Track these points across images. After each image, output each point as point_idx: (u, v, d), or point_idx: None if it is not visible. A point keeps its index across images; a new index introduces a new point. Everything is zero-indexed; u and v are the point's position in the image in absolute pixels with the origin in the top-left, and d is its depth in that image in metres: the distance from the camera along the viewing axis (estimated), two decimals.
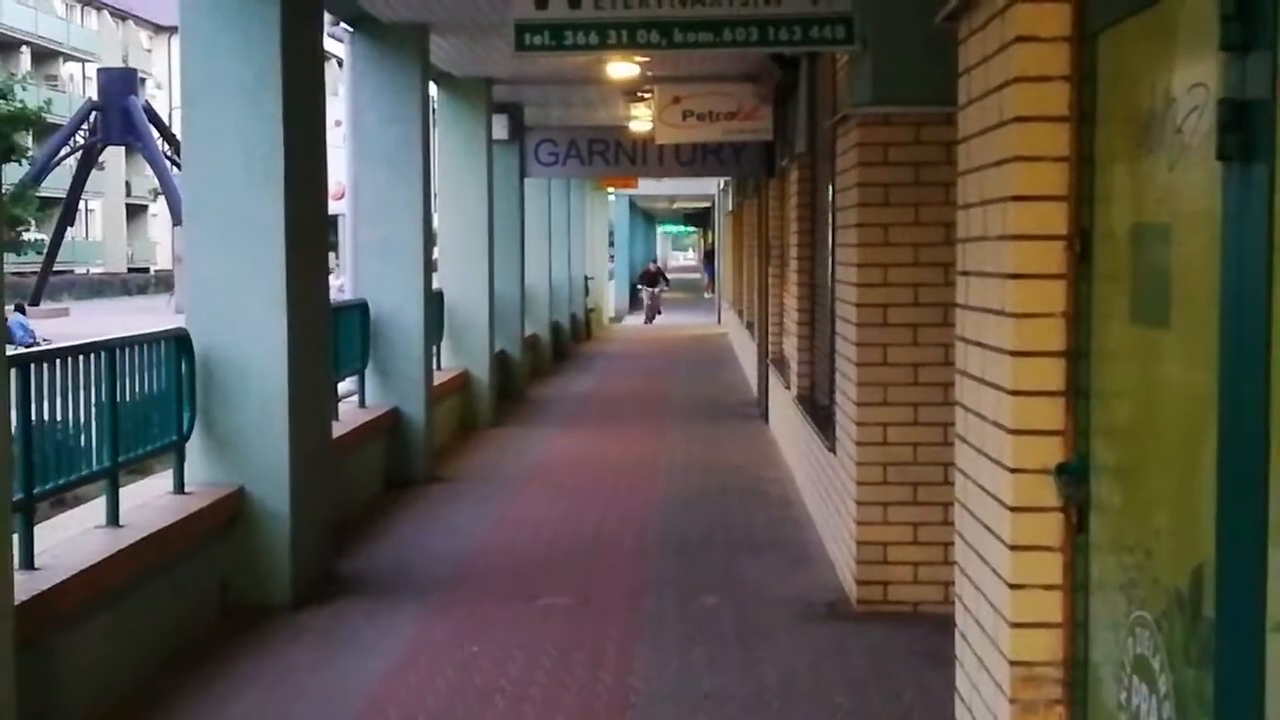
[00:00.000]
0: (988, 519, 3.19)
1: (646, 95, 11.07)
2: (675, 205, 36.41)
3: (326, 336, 6.18)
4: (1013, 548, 2.92)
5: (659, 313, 30.20)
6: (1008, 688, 2.98)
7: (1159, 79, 2.38)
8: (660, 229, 42.90)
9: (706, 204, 31.38)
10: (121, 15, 47.46)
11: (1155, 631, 2.38)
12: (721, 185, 22.15)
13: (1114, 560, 2.69)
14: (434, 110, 10.20)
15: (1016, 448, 2.90)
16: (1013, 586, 2.95)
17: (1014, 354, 2.90)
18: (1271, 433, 1.72)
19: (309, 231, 6.01)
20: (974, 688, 3.43)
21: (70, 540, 4.76)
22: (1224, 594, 1.92)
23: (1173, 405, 2.40)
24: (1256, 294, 1.74)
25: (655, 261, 32.15)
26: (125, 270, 44.85)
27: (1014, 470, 2.91)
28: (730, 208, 21.14)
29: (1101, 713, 2.77)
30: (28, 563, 4.15)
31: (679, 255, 47.72)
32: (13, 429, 3.83)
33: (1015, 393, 2.90)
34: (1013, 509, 2.92)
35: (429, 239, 9.39)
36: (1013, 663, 2.94)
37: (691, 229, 43.96)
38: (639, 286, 32.21)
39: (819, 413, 7.58)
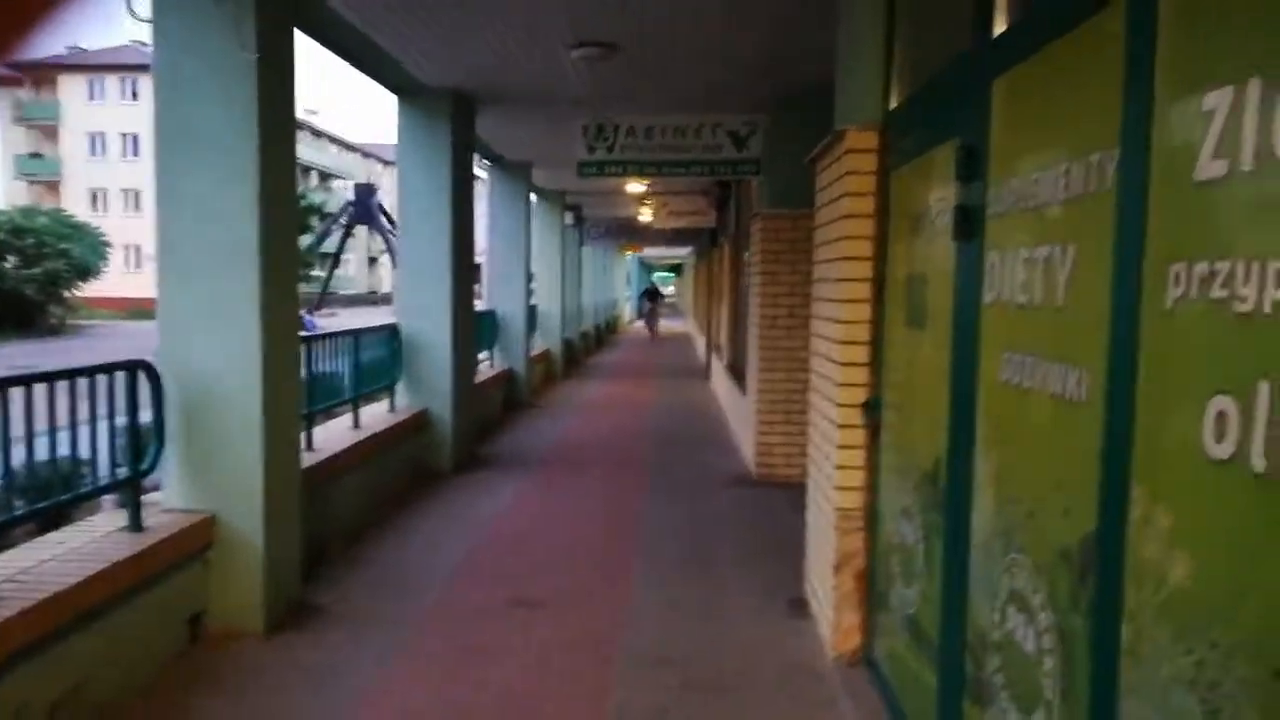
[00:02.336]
0: (826, 432, 4.11)
1: (649, 201, 14.85)
2: (665, 260, 45.57)
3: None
4: (839, 447, 3.87)
5: (659, 319, 29.93)
6: (834, 521, 3.92)
7: (921, 195, 3.16)
8: (655, 274, 55.00)
9: (681, 260, 39.52)
10: (366, 154, 70.21)
11: (914, 493, 3.19)
12: (689, 250, 28.31)
13: (892, 454, 3.53)
14: (533, 208, 14.07)
15: (842, 393, 3.85)
16: (838, 468, 3.88)
17: (842, 342, 3.84)
18: (978, 386, 2.53)
19: (465, 274, 8.09)
20: (816, 521, 4.41)
21: (331, 435, 6.16)
22: (950, 473, 2.77)
23: (924, 370, 3.11)
24: (970, 309, 2.60)
25: (654, 284, 34.25)
26: (366, 291, 64.24)
27: (840, 405, 3.85)
28: (695, 263, 27.50)
29: (884, 536, 3.64)
30: (309, 446, 5.59)
31: (664, 288, 65.39)
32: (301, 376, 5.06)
33: (842, 363, 3.85)
34: (840, 426, 3.87)
35: (528, 277, 12.86)
36: (836, 508, 3.89)
37: (672, 275, 58.26)
38: (643, 300, 32.68)
39: (737, 373, 9.82)
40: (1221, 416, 1.45)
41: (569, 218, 16.72)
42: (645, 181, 11.70)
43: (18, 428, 3.22)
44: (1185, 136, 1.57)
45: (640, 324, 34.73)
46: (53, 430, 3.49)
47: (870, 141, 3.76)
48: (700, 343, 20.86)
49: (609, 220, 18.66)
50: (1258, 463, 1.36)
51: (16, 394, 3.19)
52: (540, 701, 3.59)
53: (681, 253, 34.05)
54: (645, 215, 16.13)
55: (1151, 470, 1.67)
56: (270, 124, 4.13)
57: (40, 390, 3.35)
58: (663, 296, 30.95)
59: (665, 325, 33.12)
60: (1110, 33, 1.84)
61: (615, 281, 34.33)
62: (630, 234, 18.85)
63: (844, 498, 3.93)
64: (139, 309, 47.04)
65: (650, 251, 35.91)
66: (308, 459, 5.22)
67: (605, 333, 28.18)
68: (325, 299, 42.71)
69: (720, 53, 6.31)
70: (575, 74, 6.79)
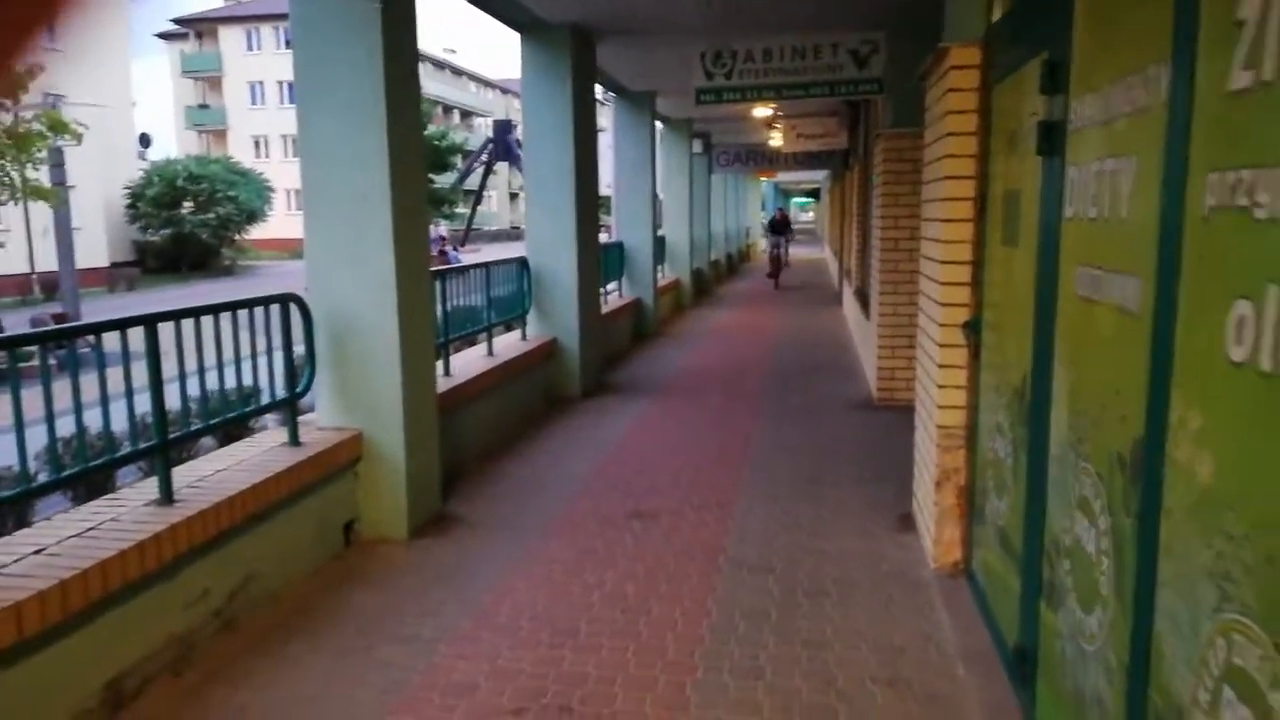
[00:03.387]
0: (930, 351, 4.16)
1: (777, 125, 14.51)
2: (800, 185, 43.68)
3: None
4: (940, 366, 3.95)
5: (785, 266, 21.36)
6: (936, 439, 4.03)
7: (1017, 111, 3.14)
8: (792, 199, 54.58)
9: (818, 185, 37.57)
10: (505, 90, 70.64)
11: (1006, 409, 3.23)
12: (825, 175, 26.79)
13: (990, 373, 3.55)
14: (659, 137, 14.33)
15: (944, 313, 3.90)
16: (940, 387, 3.96)
17: (943, 262, 3.87)
18: (1058, 301, 2.56)
19: (589, 208, 8.42)
20: (923, 438, 4.50)
21: (467, 362, 6.63)
22: (1034, 388, 2.83)
23: (1017, 288, 3.10)
24: (1052, 225, 2.62)
25: (782, 209, 24.15)
26: (510, 227, 64.63)
27: (942, 325, 3.91)
28: (829, 187, 25.88)
29: (981, 453, 3.70)
30: (446, 372, 6.05)
31: (804, 215, 65.71)
32: (438, 309, 5.53)
33: (944, 283, 3.89)
34: (940, 345, 3.93)
35: (655, 209, 12.93)
36: (938, 426, 3.98)
37: (811, 200, 56.89)
38: (766, 235, 25.34)
39: (864, 298, 9.62)
40: (1242, 320, 1.51)
41: (697, 145, 16.73)
42: (772, 105, 11.48)
43: (194, 354, 3.70)
44: (1223, 47, 1.59)
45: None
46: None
47: (972, 58, 3.73)
48: (834, 268, 20.60)
49: (738, 146, 18.46)
50: (1266, 363, 1.43)
51: (192, 324, 3.64)
52: (649, 600, 3.89)
53: (817, 177, 32.14)
54: (775, 139, 15.90)
55: (1187, 375, 1.74)
56: (396, 72, 4.43)
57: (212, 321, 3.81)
58: (791, 229, 23.73)
59: (802, 254, 32.16)
60: None
61: (748, 208, 33.26)
62: (761, 159, 18.51)
63: (945, 416, 4.01)
64: (301, 249, 50.11)
65: (784, 177, 33.99)
66: (446, 383, 5.66)
67: (738, 260, 27.93)
68: (469, 235, 44.25)
69: None
70: (688, 2, 6.81)
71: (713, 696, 3.12)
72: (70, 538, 3.09)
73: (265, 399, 4.31)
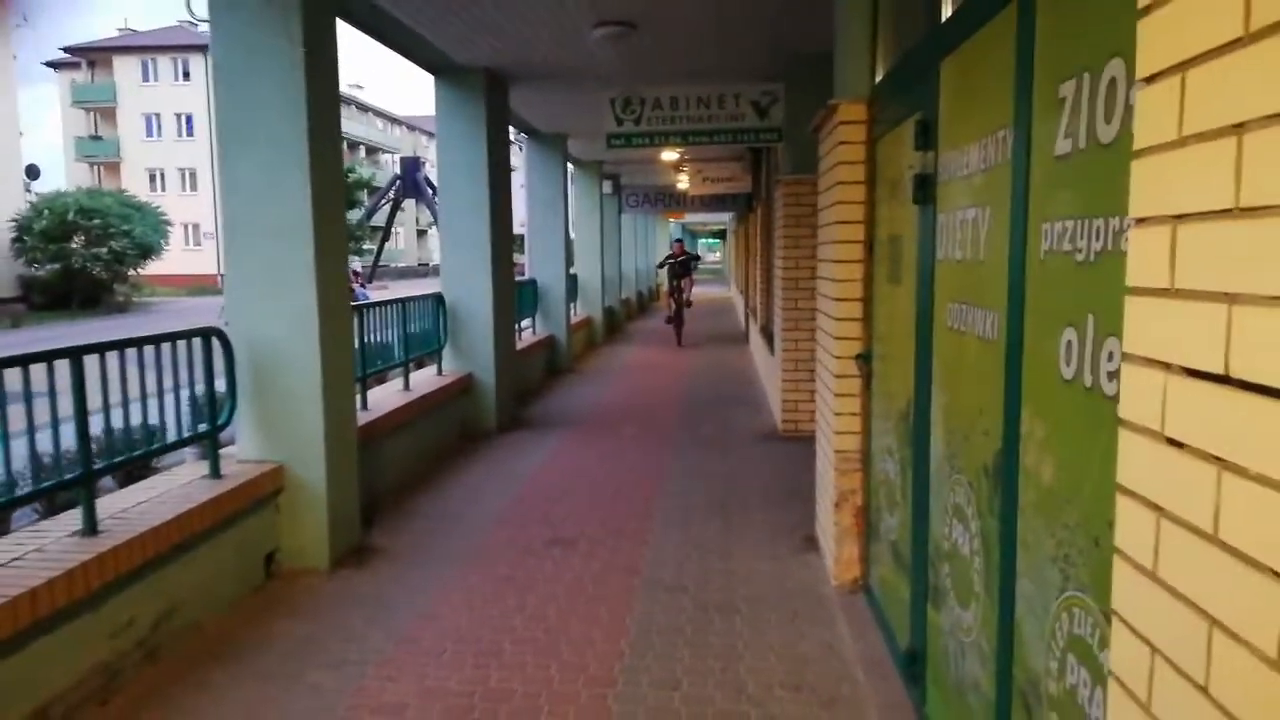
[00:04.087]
0: (827, 381, 4.47)
1: (685, 168, 15.13)
2: (708, 226, 44.46)
3: (510, 302, 8.46)
4: (836, 395, 4.24)
5: (687, 305, 16.82)
6: (833, 463, 4.30)
7: (896, 164, 3.47)
8: (699, 240, 55.13)
9: (724, 226, 38.49)
10: (411, 127, 70.59)
11: (894, 432, 3.54)
12: (731, 216, 27.51)
13: (880, 400, 3.87)
14: (571, 178, 14.73)
15: (839, 346, 4.21)
16: (836, 414, 4.26)
17: (836, 299, 4.19)
18: (934, 333, 2.87)
19: (503, 245, 8.58)
20: (823, 463, 4.79)
21: (384, 396, 6.70)
22: (916, 411, 3.12)
23: (900, 321, 3.40)
24: (928, 265, 2.92)
25: (680, 242, 18.15)
26: (417, 264, 65.18)
27: (837, 357, 4.21)
28: (735, 228, 27.07)
29: (875, 475, 3.99)
30: (363, 406, 6.12)
31: (712, 255, 67.30)
32: (355, 344, 5.55)
33: (837, 319, 4.20)
34: (837, 376, 4.23)
35: (569, 246, 13.30)
36: (835, 451, 4.27)
37: (718, 240, 58.20)
38: (663, 270, 17.90)
39: (769, 335, 10.06)
40: (1069, 345, 1.83)
41: (607, 186, 17.14)
42: (679, 150, 11.94)
43: (115, 389, 3.73)
44: (1049, 118, 1.93)
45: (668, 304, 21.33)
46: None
47: (859, 113, 4.09)
48: (741, 307, 21.18)
49: (648, 188, 18.98)
50: (1087, 379, 1.74)
51: (112, 358, 3.68)
52: (569, 621, 4.07)
53: (724, 218, 33.32)
54: (683, 182, 16.44)
55: (1032, 393, 2.05)
56: (318, 110, 4.58)
57: (127, 355, 3.84)
58: (696, 262, 19.57)
59: (711, 292, 32.95)
60: (1007, 29, 2.19)
61: (657, 248, 34.16)
62: (669, 201, 19.07)
63: (841, 441, 4.32)
64: (199, 285, 48.72)
65: (692, 218, 35.03)
66: (363, 417, 5.75)
67: (648, 299, 28.51)
68: (376, 271, 43.82)
69: (734, 27, 6.62)
70: (599, 51, 7.15)
71: (633, 706, 3.31)
72: None
73: (174, 435, 4.30)
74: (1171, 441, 1.13)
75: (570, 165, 14.73)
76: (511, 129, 10.63)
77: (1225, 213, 1.00)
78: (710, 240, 63.76)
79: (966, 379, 2.61)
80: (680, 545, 5.12)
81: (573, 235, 15.90)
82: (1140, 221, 1.20)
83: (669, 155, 12.93)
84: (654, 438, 8.15)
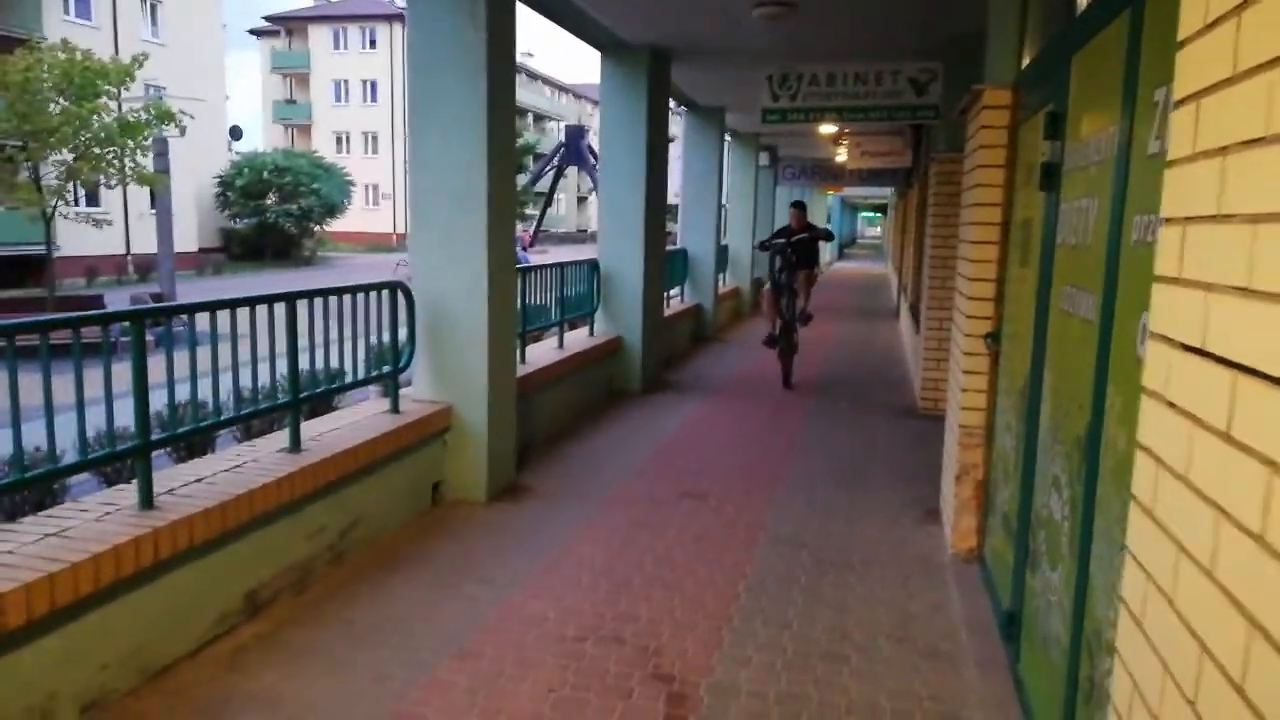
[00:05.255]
0: (958, 358, 4.63)
1: (844, 142, 14.95)
2: (868, 200, 43.71)
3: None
4: (965, 372, 4.40)
5: (802, 323, 9.71)
6: (958, 437, 4.52)
7: (1033, 150, 3.53)
8: (860, 214, 55.84)
9: (885, 201, 36.73)
10: (578, 95, 72.85)
11: (1014, 408, 3.65)
12: (891, 191, 26.58)
13: (1005, 378, 3.99)
14: (727, 149, 14.84)
15: (970, 325, 4.35)
16: (963, 390, 4.42)
17: (971, 279, 4.33)
18: (1050, 314, 3.04)
19: (657, 216, 9.07)
20: (949, 437, 5.00)
21: (540, 353, 7.31)
22: (1030, 389, 3.28)
23: (1026, 302, 3.53)
24: (1049, 249, 3.07)
25: (801, 207, 9.90)
26: (576, 230, 67.16)
27: (968, 335, 4.35)
28: (894, 203, 25.77)
29: (996, 449, 4.14)
30: (522, 360, 6.73)
31: (872, 229, 66.92)
32: (518, 303, 6.08)
33: (971, 298, 4.34)
34: (966, 354, 4.38)
35: (720, 218, 13.57)
36: (960, 425, 4.45)
37: (879, 215, 55.68)
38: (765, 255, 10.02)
39: (916, 312, 10.03)
40: (1144, 327, 2.02)
41: (764, 158, 17.22)
42: (836, 124, 11.97)
43: (317, 331, 4.35)
44: (1147, 120, 2.11)
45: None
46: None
47: (1003, 99, 4.21)
48: (895, 284, 20.88)
49: (805, 160, 18.91)
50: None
51: (318, 303, 4.31)
52: (693, 564, 4.45)
53: (884, 193, 32.26)
54: (841, 156, 16.34)
55: (1116, 369, 2.25)
56: (495, 90, 5.07)
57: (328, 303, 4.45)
58: (821, 242, 10.02)
59: (861, 269, 32.36)
60: (1120, 33, 2.35)
61: (815, 221, 33.71)
62: (827, 174, 18.92)
63: (967, 416, 4.49)
64: (376, 243, 51.85)
65: (851, 191, 34.23)
66: (522, 370, 6.29)
67: None
68: (538, 236, 45.36)
69: (894, 7, 6.70)
70: (759, 29, 7.37)
71: (743, 639, 3.67)
72: (222, 471, 3.78)
73: (363, 374, 4.87)
74: (1170, 405, 1.37)
75: (728, 137, 14.93)
76: (671, 102, 10.99)
77: (1210, 218, 1.24)
78: (871, 215, 62.18)
79: (1071, 357, 2.78)
80: (805, 507, 5.41)
81: (726, 206, 16.12)
82: (1167, 221, 1.43)
83: (828, 128, 12.93)
84: (790, 407, 8.40)
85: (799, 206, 9.69)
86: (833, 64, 8.30)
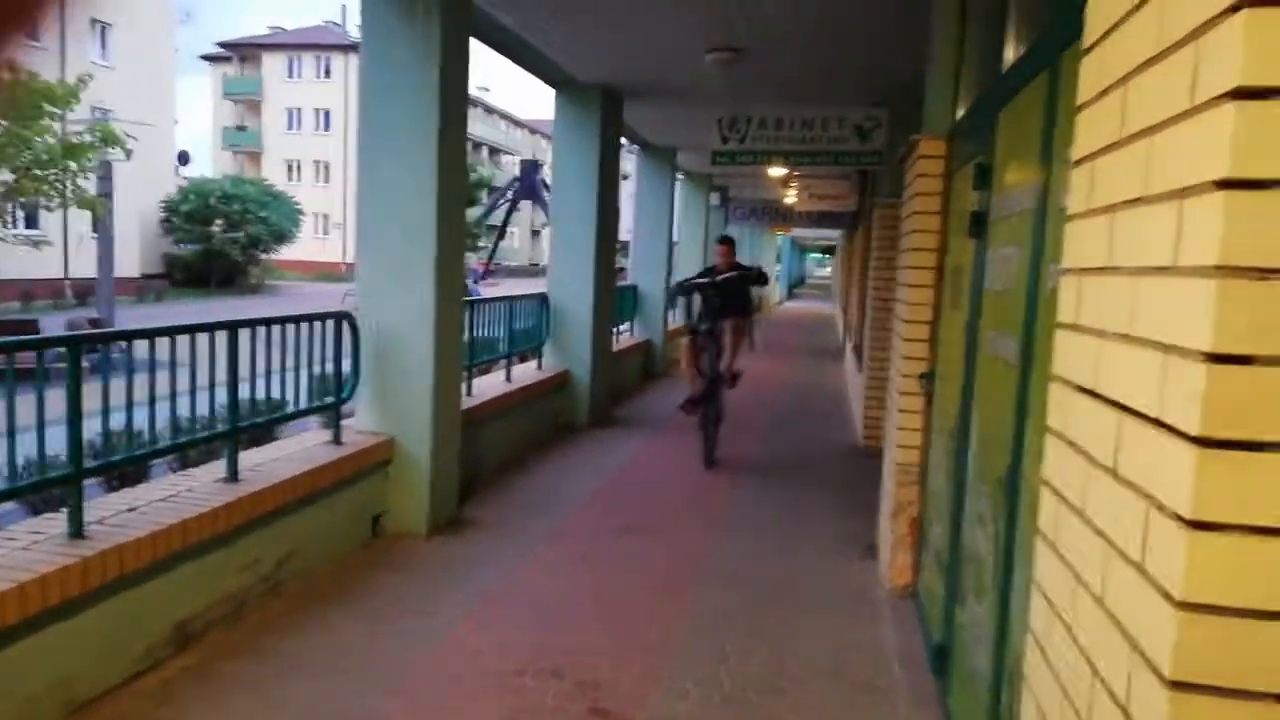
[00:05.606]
0: (894, 397, 4.77)
1: (793, 184, 15.19)
2: (818, 241, 45.17)
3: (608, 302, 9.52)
4: (900, 410, 4.53)
5: (728, 384, 7.71)
6: (894, 474, 4.61)
7: (964, 198, 3.68)
8: (809, 255, 56.72)
9: (834, 243, 37.04)
10: (533, 130, 72.04)
11: (945, 447, 3.76)
12: (839, 233, 26.80)
13: (938, 417, 4.11)
14: (679, 188, 15.01)
15: (906, 365, 4.49)
16: (898, 429, 4.54)
17: (907, 321, 4.47)
18: (978, 356, 3.15)
19: (608, 252, 9.15)
20: (886, 475, 5.11)
21: (488, 385, 7.28)
22: (960, 428, 3.40)
23: (956, 345, 3.66)
24: (978, 294, 3.20)
25: (728, 243, 8.03)
26: (528, 264, 65.81)
27: (903, 375, 4.49)
28: (841, 245, 26.34)
29: (931, 486, 4.21)
30: (468, 393, 6.73)
31: (821, 270, 67.09)
32: (466, 336, 6.08)
33: (906, 339, 4.48)
34: (902, 393, 4.51)
35: (670, 254, 13.75)
36: (895, 463, 4.55)
37: (827, 256, 56.94)
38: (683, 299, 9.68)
39: (859, 352, 10.09)
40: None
41: (715, 198, 17.49)
42: (785, 167, 12.23)
43: (259, 360, 4.32)
44: (1061, 175, 2.23)
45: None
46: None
47: (938, 149, 4.38)
48: (840, 325, 21.26)
49: (755, 201, 19.25)
50: None
51: (261, 332, 4.29)
52: (633, 597, 4.48)
53: (833, 235, 32.96)
54: (790, 198, 16.66)
55: (1034, 411, 2.35)
56: (447, 123, 5.13)
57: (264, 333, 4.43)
58: (756, 284, 8.11)
59: (809, 309, 32.95)
60: (1039, 93, 2.49)
61: (763, 261, 34.13)
62: (777, 215, 19.29)
63: (903, 454, 4.60)
64: (325, 272, 51.27)
65: (800, 232, 34.84)
66: (468, 402, 6.30)
67: (751, 311, 28.59)
68: (490, 269, 45.30)
69: (839, 55, 6.94)
70: (710, 73, 7.56)
71: (681, 673, 3.70)
72: (157, 501, 3.72)
73: (305, 404, 4.87)
74: (1070, 443, 1.46)
75: (680, 176, 15.18)
76: (625, 140, 11.16)
77: (1101, 270, 1.34)
78: (819, 255, 63.38)
79: (995, 398, 2.90)
80: (747, 542, 5.47)
81: (677, 243, 16.32)
82: (1067, 271, 1.53)
83: (777, 171, 13.19)
84: (734, 444, 8.47)
85: (726, 242, 7.96)
86: (781, 108, 8.53)
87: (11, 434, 3.05)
